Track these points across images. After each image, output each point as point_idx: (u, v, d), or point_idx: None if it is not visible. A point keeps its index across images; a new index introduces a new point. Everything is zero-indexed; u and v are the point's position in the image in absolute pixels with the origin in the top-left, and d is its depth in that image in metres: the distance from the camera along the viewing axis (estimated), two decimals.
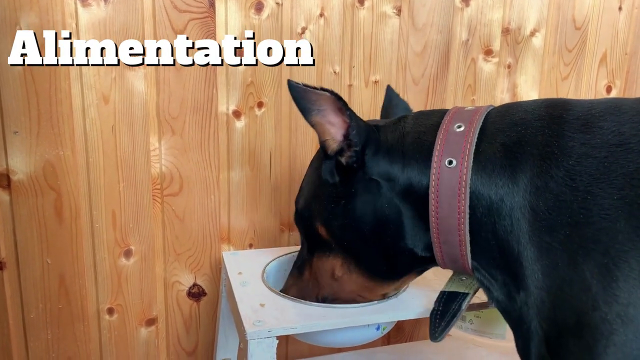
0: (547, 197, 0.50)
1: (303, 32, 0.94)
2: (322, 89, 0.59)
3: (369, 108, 1.01)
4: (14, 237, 0.87)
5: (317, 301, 0.74)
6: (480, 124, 0.58)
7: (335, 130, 0.63)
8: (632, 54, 1.18)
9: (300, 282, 0.75)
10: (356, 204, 0.64)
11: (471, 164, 0.56)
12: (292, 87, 0.60)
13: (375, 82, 1.00)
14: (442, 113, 0.63)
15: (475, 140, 0.57)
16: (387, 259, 0.66)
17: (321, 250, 0.71)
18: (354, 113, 0.62)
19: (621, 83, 1.19)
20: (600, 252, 0.46)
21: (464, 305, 0.64)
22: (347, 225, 0.65)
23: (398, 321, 1.10)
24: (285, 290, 0.77)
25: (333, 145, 0.64)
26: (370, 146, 0.63)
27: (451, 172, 0.56)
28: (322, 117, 0.62)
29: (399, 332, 1.14)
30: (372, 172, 0.63)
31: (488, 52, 1.07)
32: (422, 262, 0.65)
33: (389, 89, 0.82)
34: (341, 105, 0.60)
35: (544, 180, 0.51)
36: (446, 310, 0.64)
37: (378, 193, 0.62)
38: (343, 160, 0.64)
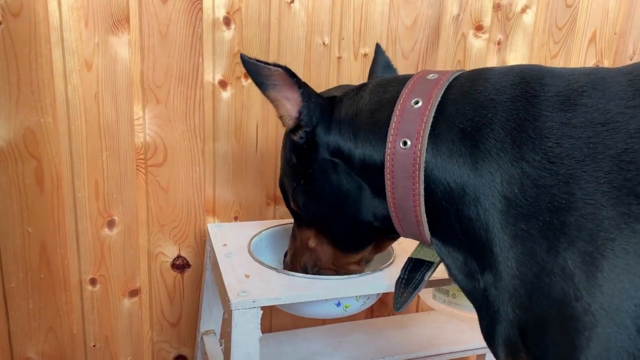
0: (524, 183, 0.47)
1: (292, 2, 0.92)
2: (275, 65, 0.58)
3: (358, 81, 1.00)
4: None
5: (302, 268, 0.75)
6: (439, 99, 0.54)
7: (291, 106, 0.62)
8: (621, 34, 1.18)
9: (293, 248, 0.77)
10: (316, 184, 0.64)
11: (425, 146, 0.53)
12: (245, 61, 0.59)
13: (365, 55, 0.99)
14: (403, 82, 0.59)
15: (431, 120, 0.53)
16: (351, 233, 0.66)
17: (299, 221, 0.72)
18: (308, 89, 0.61)
19: (609, 63, 1.19)
20: (584, 239, 0.43)
21: (427, 277, 0.63)
22: (311, 203, 0.66)
23: (382, 296, 1.11)
24: (285, 255, 0.79)
25: (288, 122, 0.63)
26: (321, 125, 0.61)
27: (405, 154, 0.54)
28: (277, 92, 0.61)
29: (383, 306, 1.15)
30: (325, 152, 0.61)
31: (478, 28, 1.06)
32: (383, 233, 0.65)
33: (377, 47, 0.80)
34: (294, 81, 0.59)
35: (519, 166, 0.48)
36: (410, 279, 0.63)
37: (334, 172, 0.61)
38: (295, 139, 0.63)
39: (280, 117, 0.63)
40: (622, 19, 1.17)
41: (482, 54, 1.07)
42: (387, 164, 0.56)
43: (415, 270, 0.64)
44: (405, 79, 0.59)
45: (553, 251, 0.45)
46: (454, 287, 0.82)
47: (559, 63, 1.14)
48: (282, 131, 0.98)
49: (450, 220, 0.53)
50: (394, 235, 0.66)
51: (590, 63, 1.17)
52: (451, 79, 0.56)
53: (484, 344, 0.95)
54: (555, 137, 0.46)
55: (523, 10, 1.08)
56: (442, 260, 0.58)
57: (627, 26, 1.18)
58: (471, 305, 0.84)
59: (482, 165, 0.50)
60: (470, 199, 0.51)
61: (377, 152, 0.57)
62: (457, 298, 0.82)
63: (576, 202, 0.44)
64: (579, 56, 1.16)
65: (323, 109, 0.62)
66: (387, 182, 0.56)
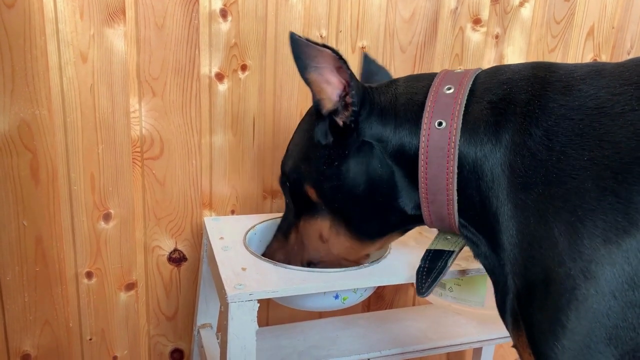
0: (525, 154, 0.52)
1: None
2: (324, 46, 0.59)
3: (355, 74, 0.99)
4: None
5: (302, 264, 0.74)
6: (470, 85, 0.59)
7: (332, 89, 0.63)
8: (619, 28, 1.18)
9: (285, 246, 0.76)
10: (350, 166, 0.64)
11: (460, 126, 0.57)
12: (294, 40, 0.60)
13: (362, 48, 0.98)
14: (432, 76, 0.63)
15: (465, 101, 0.58)
16: (376, 219, 0.67)
17: (309, 213, 0.71)
18: (353, 73, 0.62)
19: (607, 57, 1.19)
20: (568, 210, 0.47)
21: (450, 262, 0.66)
22: (340, 186, 0.66)
23: (378, 289, 1.11)
24: (270, 254, 0.77)
25: (328, 105, 0.64)
26: (365, 107, 0.63)
27: (441, 134, 0.58)
28: (319, 74, 0.62)
29: (379, 300, 1.15)
30: (364, 134, 0.63)
31: (476, 22, 1.06)
32: (410, 221, 0.67)
33: (365, 57, 0.82)
34: (341, 64, 0.60)
35: (522, 137, 0.53)
36: (432, 267, 0.66)
37: (371, 154, 0.63)
38: (339, 120, 0.64)
39: (319, 101, 0.64)
40: (620, 13, 1.17)
41: (479, 47, 1.07)
42: (422, 144, 0.59)
43: (436, 259, 0.67)
44: (433, 74, 0.64)
45: (543, 221, 0.49)
46: (451, 281, 0.82)
47: (556, 57, 1.14)
48: (278, 125, 0.98)
49: (472, 194, 0.57)
50: (418, 224, 0.68)
51: (588, 57, 1.17)
52: (477, 72, 0.62)
53: (481, 337, 0.96)
54: (555, 116, 0.51)
55: (521, 4, 1.08)
56: (468, 241, 0.61)
57: (624, 20, 1.18)
58: (468, 298, 0.84)
59: (501, 132, 0.54)
60: (488, 167, 0.55)
61: (413, 135, 0.60)
62: (454, 292, 0.82)
63: (564, 177, 0.49)
64: (576, 50, 1.15)
65: (365, 92, 0.64)
66: (421, 163, 0.59)
